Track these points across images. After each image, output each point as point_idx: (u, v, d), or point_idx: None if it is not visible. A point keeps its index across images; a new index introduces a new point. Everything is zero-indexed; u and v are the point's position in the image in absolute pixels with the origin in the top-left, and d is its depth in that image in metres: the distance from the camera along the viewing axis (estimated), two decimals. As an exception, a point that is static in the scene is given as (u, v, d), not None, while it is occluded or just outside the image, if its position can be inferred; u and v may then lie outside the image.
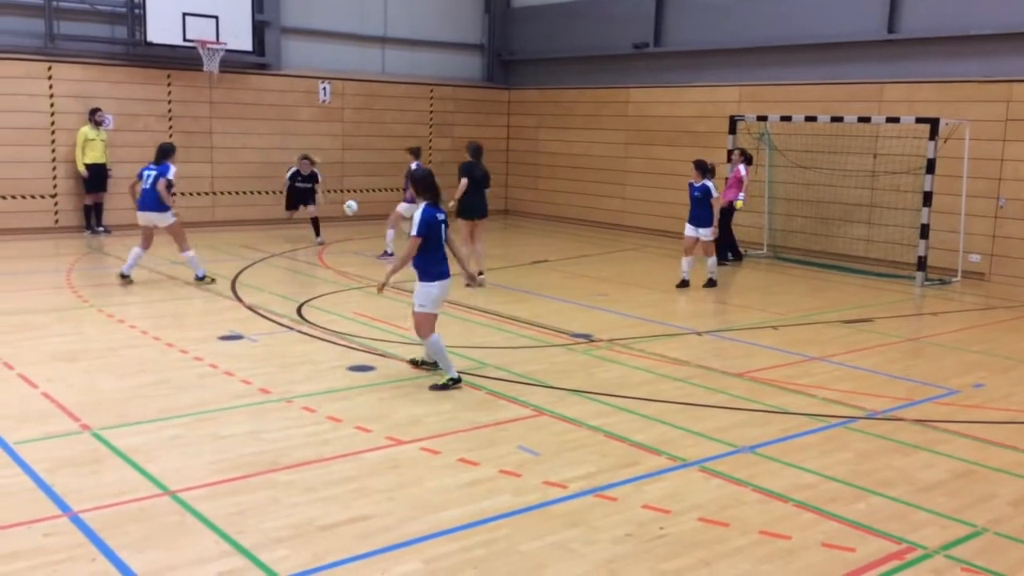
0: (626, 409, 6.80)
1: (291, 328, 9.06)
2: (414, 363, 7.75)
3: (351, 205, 11.83)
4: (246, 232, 16.27)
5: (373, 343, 8.53)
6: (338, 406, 6.63)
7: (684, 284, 11.90)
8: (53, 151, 15.21)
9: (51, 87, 15.12)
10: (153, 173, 10.82)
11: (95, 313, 9.63)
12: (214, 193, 16.94)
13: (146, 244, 11.04)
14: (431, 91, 19.39)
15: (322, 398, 6.80)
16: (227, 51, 16.04)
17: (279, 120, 17.40)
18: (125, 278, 10.99)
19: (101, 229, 15.37)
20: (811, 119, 13.90)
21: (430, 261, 7.07)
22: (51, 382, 6.99)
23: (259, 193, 17.21)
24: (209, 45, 15.76)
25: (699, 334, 9.45)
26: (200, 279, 11.17)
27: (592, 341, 8.91)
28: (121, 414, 6.34)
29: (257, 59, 17.05)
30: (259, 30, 16.92)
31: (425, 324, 7.13)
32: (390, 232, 13.71)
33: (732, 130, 14.69)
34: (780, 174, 15.21)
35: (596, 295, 11.32)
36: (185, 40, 15.60)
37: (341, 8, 18.34)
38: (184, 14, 15.52)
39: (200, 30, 15.70)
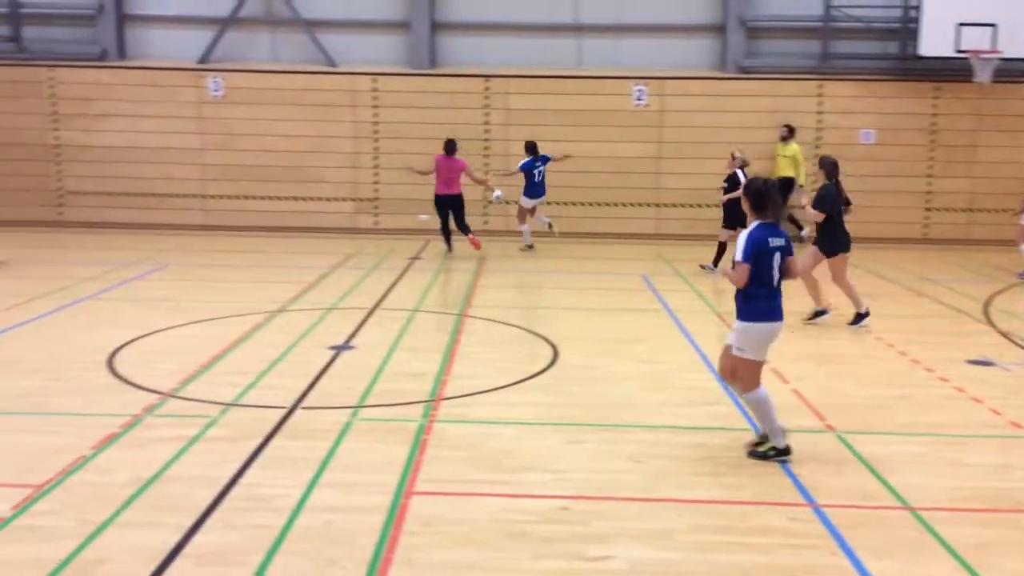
0: None
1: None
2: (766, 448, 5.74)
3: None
4: (1004, 252, 14.90)
5: None
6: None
7: None
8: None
9: (820, 104, 16.07)
10: (542, 167, 13.94)
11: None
12: (970, 211, 16.12)
13: (525, 219, 14.31)
14: None
15: (1087, 445, 5.98)
16: (1001, 59, 15.02)
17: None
18: (531, 247, 14.28)
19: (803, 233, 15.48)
20: None
21: (753, 296, 5.53)
22: (800, 380, 7.49)
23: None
24: (983, 55, 14.96)
25: None
26: (529, 247, 14.33)
27: None
28: (864, 421, 6.50)
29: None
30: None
31: (747, 373, 5.62)
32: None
33: None
34: None
35: None
36: (957, 51, 15.07)
37: None
38: (960, 24, 14.99)
39: (975, 39, 15.00)
